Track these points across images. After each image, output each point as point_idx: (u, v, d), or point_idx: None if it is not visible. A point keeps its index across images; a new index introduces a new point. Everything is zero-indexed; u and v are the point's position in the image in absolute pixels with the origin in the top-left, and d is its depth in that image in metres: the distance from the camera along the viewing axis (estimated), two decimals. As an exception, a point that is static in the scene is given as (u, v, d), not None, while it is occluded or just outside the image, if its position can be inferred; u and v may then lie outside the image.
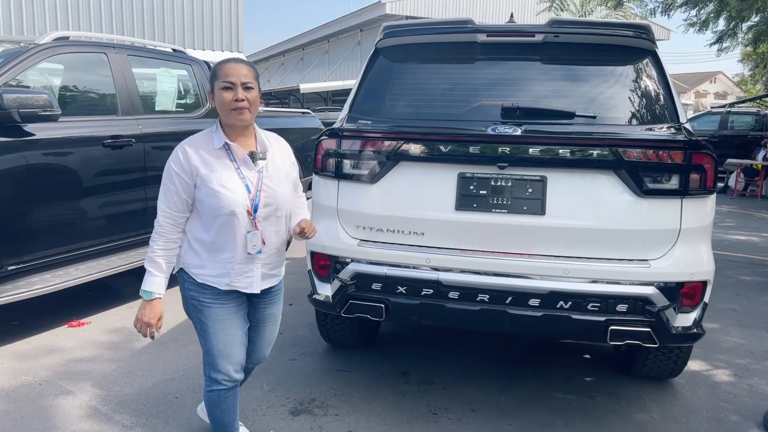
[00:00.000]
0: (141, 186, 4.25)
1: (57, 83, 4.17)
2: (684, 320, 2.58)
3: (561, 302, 2.54)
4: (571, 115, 2.71)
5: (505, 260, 2.61)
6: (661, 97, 2.76)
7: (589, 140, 2.57)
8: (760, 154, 12.23)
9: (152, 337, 2.14)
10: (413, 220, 2.72)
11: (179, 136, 2.40)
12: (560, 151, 2.56)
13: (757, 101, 18.59)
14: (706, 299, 2.61)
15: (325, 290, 2.87)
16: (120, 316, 4.15)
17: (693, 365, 3.48)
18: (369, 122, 2.85)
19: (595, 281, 2.53)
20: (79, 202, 3.83)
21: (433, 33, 3.07)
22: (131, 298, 4.51)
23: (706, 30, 12.64)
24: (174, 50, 5.11)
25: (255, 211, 2.10)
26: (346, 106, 3.04)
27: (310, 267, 2.95)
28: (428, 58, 3.06)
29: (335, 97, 20.98)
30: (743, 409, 3.02)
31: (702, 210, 2.59)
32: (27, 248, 3.56)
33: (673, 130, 2.64)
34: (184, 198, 2.08)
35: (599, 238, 2.57)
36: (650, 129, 2.66)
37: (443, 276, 2.64)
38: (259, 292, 2.21)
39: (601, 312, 2.52)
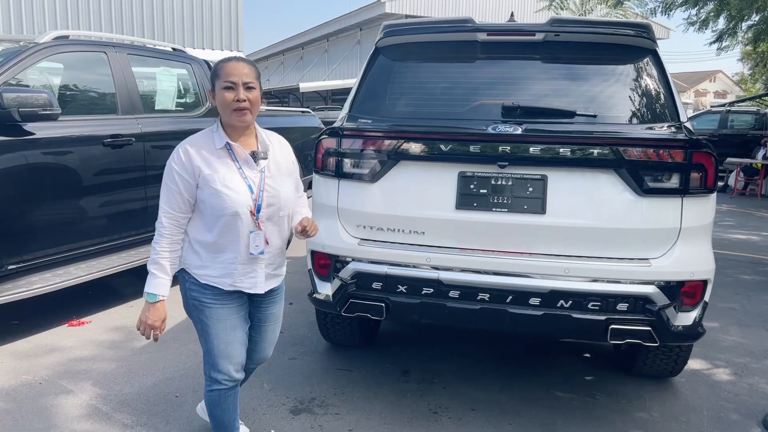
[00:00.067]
0: (141, 185, 4.25)
1: (57, 82, 4.16)
2: (684, 319, 2.58)
3: (561, 301, 2.54)
4: (571, 114, 2.71)
5: (505, 259, 2.61)
6: (662, 96, 2.76)
7: (589, 139, 2.57)
8: (760, 153, 12.23)
9: (155, 339, 2.13)
10: (413, 219, 2.72)
11: (179, 135, 2.40)
12: (561, 150, 2.56)
13: (757, 100, 18.58)
14: (706, 298, 2.61)
15: (326, 289, 2.87)
16: (120, 315, 4.15)
17: (693, 364, 3.48)
18: (369, 121, 2.85)
19: (595, 280, 2.53)
20: (79, 202, 3.83)
21: (434, 32, 3.06)
22: (131, 297, 4.51)
23: (705, 29, 12.63)
24: (174, 49, 5.11)
25: (258, 211, 2.09)
26: (347, 105, 3.04)
27: (310, 266, 2.95)
28: (428, 57, 3.06)
29: (335, 96, 20.97)
30: (743, 408, 3.03)
31: (702, 209, 2.59)
32: (27, 247, 3.56)
33: (673, 129, 2.64)
34: (187, 198, 2.07)
35: (600, 237, 2.57)
36: (651, 128, 2.66)
37: (443, 275, 2.63)
38: (263, 292, 2.21)
39: (601, 311, 2.52)
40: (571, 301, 2.53)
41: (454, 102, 2.91)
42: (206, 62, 5.18)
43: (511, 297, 2.58)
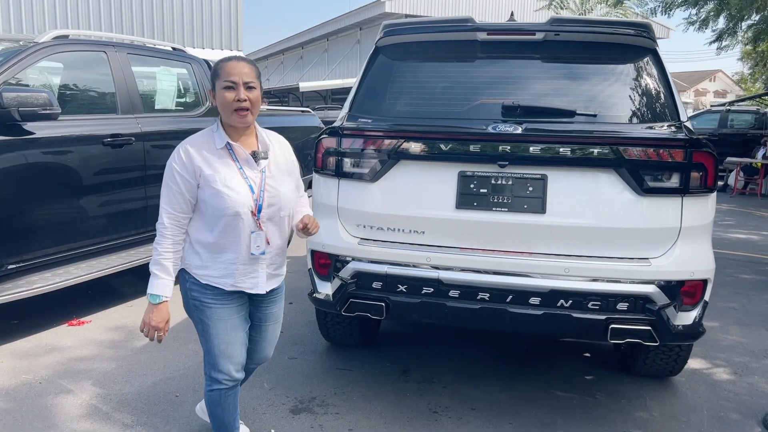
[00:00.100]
0: (141, 185, 4.25)
1: (57, 82, 4.16)
2: (684, 319, 2.58)
3: (561, 301, 2.54)
4: (571, 114, 2.70)
5: (505, 259, 2.61)
6: (662, 95, 2.76)
7: (589, 139, 2.57)
8: (760, 153, 12.23)
9: (159, 341, 2.13)
10: (414, 219, 2.72)
11: (179, 135, 2.40)
12: (561, 149, 2.56)
13: (757, 100, 18.58)
14: (706, 298, 2.61)
15: (326, 289, 2.87)
16: (120, 315, 4.15)
17: (693, 363, 3.48)
18: (369, 121, 2.85)
19: (595, 280, 2.53)
20: (79, 201, 3.83)
21: (434, 31, 3.06)
22: (131, 297, 4.51)
23: (705, 28, 12.63)
24: (174, 49, 5.11)
25: (259, 211, 2.09)
26: (347, 104, 3.04)
27: (310, 265, 2.95)
28: (429, 56, 3.05)
29: (335, 96, 20.96)
30: (743, 408, 3.03)
31: (702, 208, 2.59)
32: (27, 247, 3.56)
33: (673, 129, 2.64)
34: (188, 198, 2.06)
35: (600, 237, 2.56)
36: (651, 127, 2.66)
37: (443, 274, 2.63)
38: (265, 293, 2.21)
39: (601, 310, 2.52)
40: (571, 301, 2.53)
41: (454, 101, 2.91)
42: (206, 62, 5.18)
43: (511, 296, 2.58)
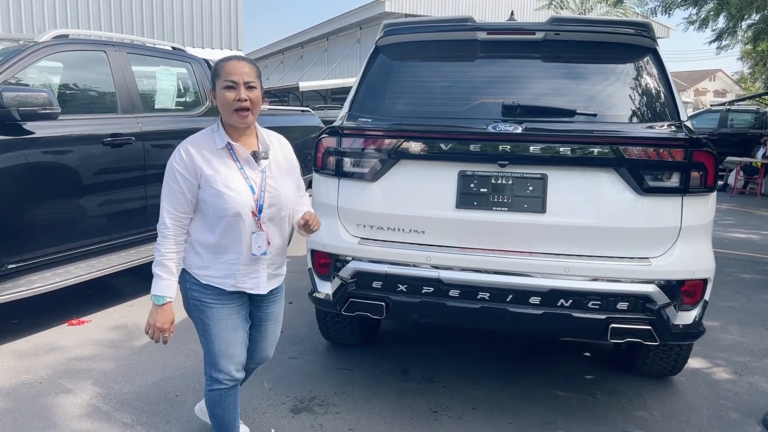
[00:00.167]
0: (141, 184, 4.25)
1: (56, 81, 4.16)
2: (684, 318, 2.58)
3: (562, 300, 2.54)
4: (571, 113, 2.70)
5: (505, 258, 2.61)
6: (662, 94, 2.76)
7: (589, 138, 2.57)
8: (760, 152, 12.23)
9: (165, 342, 2.12)
10: (414, 219, 2.72)
11: (179, 135, 2.39)
12: (561, 149, 2.56)
13: (757, 99, 18.58)
14: (706, 297, 2.61)
15: (326, 288, 2.87)
16: (120, 315, 4.15)
17: (693, 363, 3.49)
18: (369, 120, 2.85)
19: (595, 279, 2.53)
20: (79, 201, 3.83)
21: (434, 31, 3.06)
22: (131, 297, 4.51)
23: (705, 28, 12.62)
24: (173, 48, 5.11)
25: (260, 212, 2.09)
26: (347, 104, 3.04)
27: (310, 265, 2.95)
28: (429, 56, 3.05)
29: (335, 96, 20.97)
30: (743, 407, 3.03)
31: (703, 208, 2.59)
32: (27, 247, 3.55)
33: (674, 128, 2.64)
34: (189, 198, 2.06)
35: (600, 236, 2.56)
36: (651, 127, 2.66)
37: (444, 274, 2.63)
38: (266, 293, 2.21)
39: (601, 310, 2.52)
40: (571, 300, 2.53)
41: (455, 101, 2.91)
42: (206, 61, 5.18)
43: (511, 296, 2.58)
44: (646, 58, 2.83)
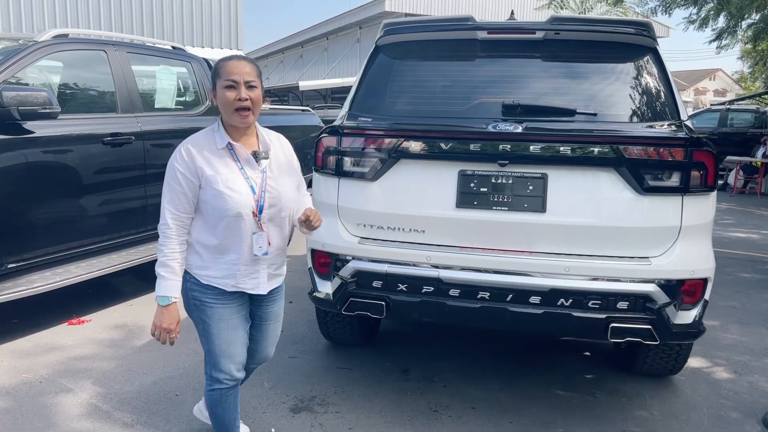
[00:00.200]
0: (141, 183, 4.25)
1: (56, 81, 4.16)
2: (684, 317, 2.58)
3: (562, 300, 2.54)
4: (571, 113, 2.70)
5: (505, 258, 2.61)
6: (662, 94, 2.76)
7: (589, 137, 2.57)
8: (760, 152, 12.24)
9: (171, 343, 2.11)
10: (414, 218, 2.72)
11: (179, 134, 2.39)
12: (561, 148, 2.56)
13: (757, 99, 18.58)
14: (706, 296, 2.61)
15: (326, 288, 2.87)
16: (120, 314, 4.15)
17: (693, 362, 3.49)
18: (369, 119, 2.85)
19: (595, 279, 2.53)
20: (78, 200, 3.83)
21: (434, 30, 3.06)
22: (131, 296, 4.51)
23: (705, 27, 12.61)
24: (173, 48, 5.10)
25: (260, 212, 2.08)
26: (347, 103, 3.04)
27: (310, 264, 2.95)
28: (429, 55, 3.05)
29: (335, 95, 20.98)
30: (743, 406, 3.03)
31: (703, 207, 2.59)
32: (27, 246, 3.55)
33: (674, 128, 2.64)
34: (191, 198, 2.05)
35: (600, 236, 2.56)
36: (651, 126, 2.66)
37: (444, 273, 2.63)
38: (266, 293, 2.21)
39: (601, 309, 2.52)
40: (571, 300, 2.53)
41: (455, 100, 2.91)
42: (206, 61, 5.18)
43: (511, 295, 2.58)
44: (646, 58, 2.83)
